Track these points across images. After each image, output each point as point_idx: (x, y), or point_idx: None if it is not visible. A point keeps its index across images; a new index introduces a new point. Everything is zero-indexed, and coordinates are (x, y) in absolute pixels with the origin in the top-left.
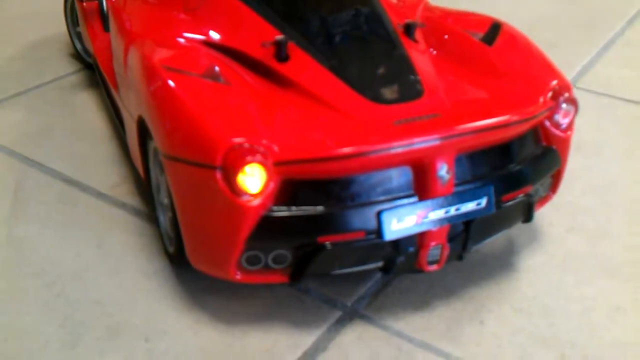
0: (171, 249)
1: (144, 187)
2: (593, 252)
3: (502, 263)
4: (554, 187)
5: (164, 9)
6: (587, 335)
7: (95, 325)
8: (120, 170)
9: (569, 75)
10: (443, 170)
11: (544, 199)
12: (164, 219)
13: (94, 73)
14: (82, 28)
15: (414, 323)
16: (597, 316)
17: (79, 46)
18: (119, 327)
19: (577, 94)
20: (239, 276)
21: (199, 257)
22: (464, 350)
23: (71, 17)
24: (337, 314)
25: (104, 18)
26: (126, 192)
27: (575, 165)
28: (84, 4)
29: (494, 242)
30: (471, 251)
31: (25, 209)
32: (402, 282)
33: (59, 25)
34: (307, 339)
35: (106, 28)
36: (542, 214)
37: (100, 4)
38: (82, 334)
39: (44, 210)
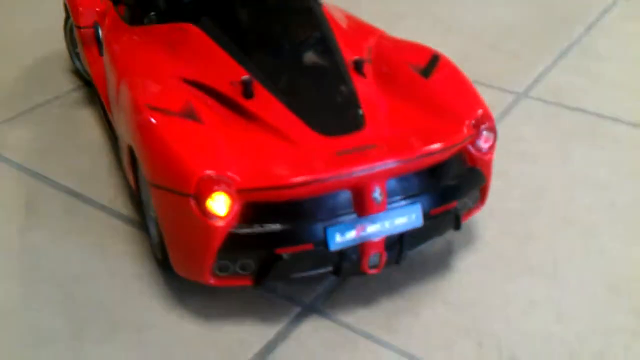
0: (159, 255)
1: (136, 199)
2: (519, 253)
3: (440, 263)
4: (482, 199)
5: (150, 46)
6: (503, 326)
7: (98, 320)
8: (117, 182)
9: (524, 84)
10: (377, 193)
11: (473, 210)
12: (153, 229)
13: (93, 89)
14: (80, 51)
15: (360, 316)
16: (513, 309)
17: (78, 65)
18: (117, 322)
19: (528, 103)
20: (212, 281)
21: (180, 265)
22: (398, 339)
23: (70, 38)
24: (297, 309)
25: (99, 44)
26: (122, 204)
27: (513, 172)
28: (82, 30)
29: (434, 244)
30: (406, 256)
31: (36, 220)
32: (353, 282)
33: (59, 42)
34: (271, 330)
35: (101, 53)
36: (478, 218)
37: (96, 31)
38: (87, 328)
39: (52, 220)
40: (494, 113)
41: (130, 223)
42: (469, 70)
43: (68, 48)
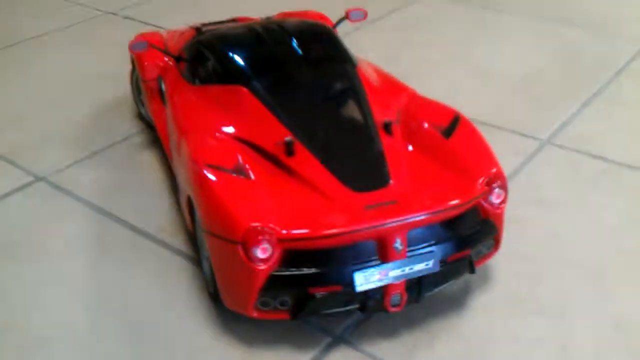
0: (211, 290)
1: (192, 238)
2: (529, 294)
3: (456, 301)
4: (495, 246)
5: (206, 104)
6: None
7: (156, 347)
8: (176, 220)
9: (548, 130)
10: (397, 243)
11: (488, 255)
12: (206, 266)
13: (155, 134)
14: (144, 101)
15: (383, 347)
16: (521, 345)
17: (142, 110)
18: (173, 348)
19: (550, 150)
20: (255, 314)
21: (228, 299)
22: None
23: (136, 87)
24: (328, 339)
25: (162, 95)
26: (181, 241)
27: (530, 217)
28: (146, 82)
29: (454, 283)
30: (425, 297)
31: (104, 253)
32: (378, 316)
33: (122, 87)
34: (305, 357)
35: (164, 102)
36: (494, 261)
37: (159, 84)
38: (147, 354)
39: (118, 254)
40: (517, 160)
41: (187, 259)
42: (496, 116)
43: (133, 95)
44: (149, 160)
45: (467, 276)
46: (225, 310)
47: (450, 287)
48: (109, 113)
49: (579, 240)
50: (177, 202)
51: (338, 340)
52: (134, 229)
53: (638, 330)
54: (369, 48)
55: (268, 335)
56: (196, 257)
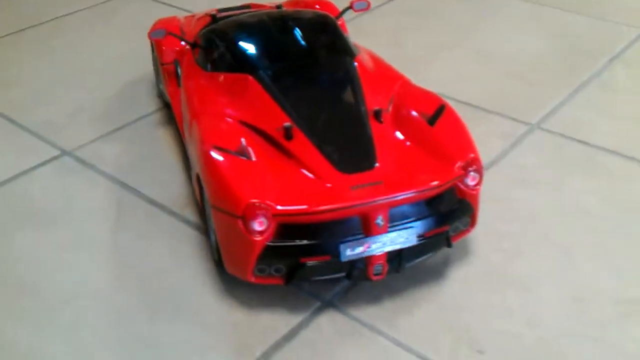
0: (216, 257)
1: (201, 210)
2: (504, 268)
3: (437, 273)
4: (472, 224)
5: (217, 90)
6: (481, 326)
7: (167, 305)
8: (188, 193)
9: (538, 115)
10: (379, 219)
11: (464, 232)
12: (212, 236)
13: (171, 112)
14: (162, 82)
15: (367, 312)
16: (492, 314)
17: (162, 88)
18: (182, 305)
19: (538, 134)
20: (253, 279)
21: (230, 266)
22: (395, 332)
23: (156, 68)
24: (318, 304)
25: (178, 78)
26: (191, 212)
27: (512, 197)
28: (164, 65)
29: (434, 257)
30: (406, 267)
31: (122, 222)
32: (364, 285)
33: (143, 67)
34: (296, 319)
35: (179, 85)
36: (474, 236)
37: (176, 67)
38: (158, 311)
39: (135, 223)
40: (506, 142)
41: (196, 229)
42: (490, 100)
43: (155, 74)
44: (166, 137)
45: (447, 250)
46: (228, 276)
47: (431, 259)
48: (130, 92)
49: (555, 219)
50: (189, 176)
51: (327, 304)
52: (150, 200)
53: (595, 303)
54: (373, 33)
55: (265, 298)
56: (204, 228)
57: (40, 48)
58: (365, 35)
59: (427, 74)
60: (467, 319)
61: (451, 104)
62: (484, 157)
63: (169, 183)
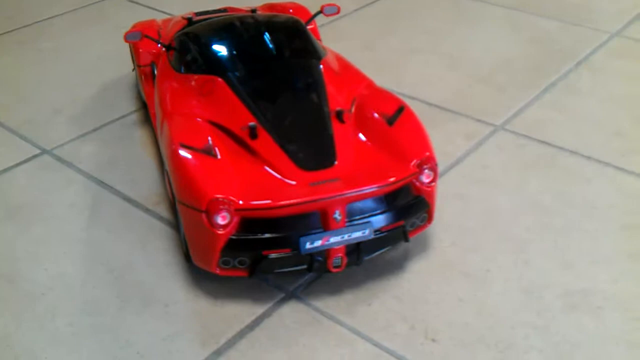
0: (185, 250)
1: (172, 206)
2: (460, 261)
3: (395, 266)
4: (429, 219)
5: (187, 92)
6: (434, 316)
7: (138, 296)
8: (161, 191)
9: (503, 117)
10: (337, 214)
11: (422, 227)
12: (181, 230)
13: (148, 113)
14: (139, 84)
15: (327, 303)
16: (445, 304)
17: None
18: (151, 297)
19: (502, 135)
20: (218, 271)
21: (196, 258)
22: (352, 321)
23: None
24: (281, 295)
25: (154, 80)
26: (163, 209)
27: (472, 195)
28: (141, 67)
29: (394, 251)
30: (364, 260)
31: (97, 218)
32: (326, 277)
33: (126, 67)
34: (260, 309)
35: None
36: (435, 232)
37: (152, 70)
38: (128, 302)
39: (109, 220)
40: (471, 143)
41: (167, 224)
42: (458, 103)
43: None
44: (143, 137)
45: (407, 245)
46: (196, 269)
47: (392, 253)
48: (110, 92)
49: (513, 216)
50: (162, 175)
51: (290, 295)
52: (124, 197)
53: (544, 295)
54: (349, 36)
55: (231, 290)
56: (175, 223)
57: (24, 50)
58: (340, 38)
59: (398, 76)
60: (422, 310)
61: (420, 106)
62: (449, 157)
63: (144, 181)
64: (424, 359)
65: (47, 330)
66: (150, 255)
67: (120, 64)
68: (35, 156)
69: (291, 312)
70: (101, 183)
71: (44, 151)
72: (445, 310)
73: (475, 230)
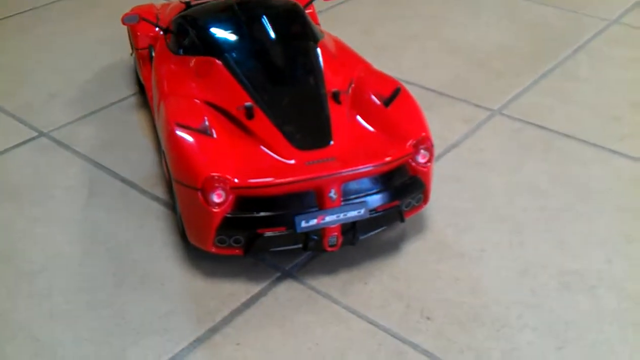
0: (181, 230)
1: (169, 187)
2: (455, 241)
3: (391, 246)
4: (424, 200)
5: (184, 72)
6: (429, 295)
7: (134, 274)
8: (159, 173)
9: (500, 102)
10: (332, 193)
11: (417, 208)
12: (177, 210)
13: (146, 96)
14: (137, 67)
15: (323, 282)
16: (440, 283)
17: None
18: (148, 275)
19: (499, 119)
20: (213, 249)
21: (192, 237)
22: (348, 300)
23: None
24: (277, 274)
25: (152, 62)
26: (160, 190)
27: (469, 178)
28: (139, 51)
29: (390, 231)
30: (360, 239)
31: (95, 200)
32: (322, 257)
33: (124, 52)
34: (255, 288)
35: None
36: (430, 213)
37: (150, 52)
38: (125, 280)
39: (107, 201)
40: (468, 127)
41: (164, 205)
42: (456, 88)
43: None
44: (140, 120)
45: (403, 226)
46: (192, 248)
47: (388, 234)
48: (108, 76)
49: (508, 198)
50: (159, 157)
51: (286, 274)
52: (122, 179)
53: (538, 274)
54: (347, 22)
55: (227, 269)
56: (171, 203)
57: (22, 35)
58: (339, 24)
59: (397, 62)
60: (418, 288)
61: (418, 90)
62: (446, 141)
63: (141, 163)
64: (419, 336)
65: (44, 308)
66: (147, 235)
67: (117, 49)
68: (32, 138)
69: (287, 291)
70: (98, 165)
71: (41, 134)
72: (441, 289)
73: (471, 211)
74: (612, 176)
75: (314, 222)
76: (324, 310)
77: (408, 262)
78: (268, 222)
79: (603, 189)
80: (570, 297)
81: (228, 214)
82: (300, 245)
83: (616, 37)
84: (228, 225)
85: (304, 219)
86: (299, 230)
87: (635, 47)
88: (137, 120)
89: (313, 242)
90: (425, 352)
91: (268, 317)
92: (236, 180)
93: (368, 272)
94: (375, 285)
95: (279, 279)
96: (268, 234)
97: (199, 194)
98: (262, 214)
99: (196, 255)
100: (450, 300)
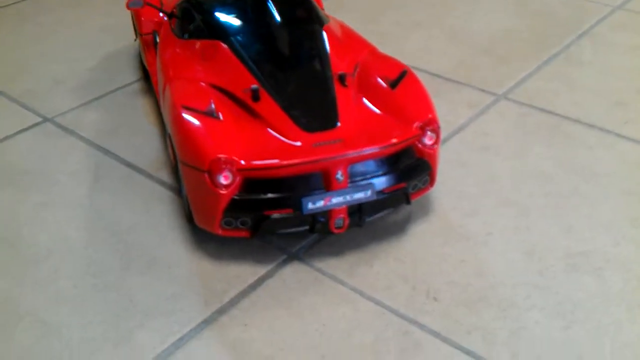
0: (187, 213)
1: (174, 171)
2: (461, 225)
3: (398, 228)
4: (431, 182)
5: (189, 56)
6: (435, 277)
7: (141, 258)
8: (163, 157)
9: (505, 86)
10: (339, 175)
11: (424, 190)
12: (183, 193)
13: (150, 82)
14: (141, 52)
15: (329, 264)
16: (446, 266)
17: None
18: (154, 258)
19: (504, 104)
20: (220, 232)
21: (199, 219)
22: (354, 281)
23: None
24: (284, 256)
25: (156, 48)
26: (165, 174)
27: (474, 162)
28: (143, 36)
29: (396, 214)
30: (366, 221)
31: (100, 184)
32: (328, 239)
33: (128, 38)
34: (262, 270)
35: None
36: (436, 196)
37: (154, 38)
38: (132, 264)
39: (112, 185)
40: (472, 111)
41: (169, 189)
42: (461, 73)
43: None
44: (145, 105)
45: (409, 209)
46: (199, 231)
47: (394, 217)
48: (112, 63)
49: (513, 183)
50: (165, 141)
51: (292, 257)
52: (127, 164)
53: (545, 256)
54: (353, 9)
55: (234, 251)
56: (177, 187)
57: (25, 23)
58: (345, 11)
59: (401, 48)
60: (424, 270)
61: (423, 76)
62: (451, 125)
63: (146, 148)
64: (426, 317)
65: (51, 292)
66: (154, 219)
67: (121, 36)
68: (37, 124)
69: (293, 273)
70: (103, 150)
71: (45, 119)
72: (447, 271)
73: (477, 195)
74: (617, 160)
75: (320, 203)
76: (330, 291)
77: (414, 244)
78: (275, 204)
79: (608, 172)
80: (577, 278)
81: (235, 195)
82: (307, 227)
83: (620, 22)
84: (235, 207)
85: (310, 201)
86: (305, 212)
87: (639, 32)
88: (141, 106)
89: (320, 224)
90: (432, 332)
91: (275, 299)
92: (243, 162)
93: (374, 255)
94: (381, 267)
95: (286, 261)
96: (275, 215)
97: (206, 175)
98: (268, 195)
99: (202, 238)
100: (457, 282)
